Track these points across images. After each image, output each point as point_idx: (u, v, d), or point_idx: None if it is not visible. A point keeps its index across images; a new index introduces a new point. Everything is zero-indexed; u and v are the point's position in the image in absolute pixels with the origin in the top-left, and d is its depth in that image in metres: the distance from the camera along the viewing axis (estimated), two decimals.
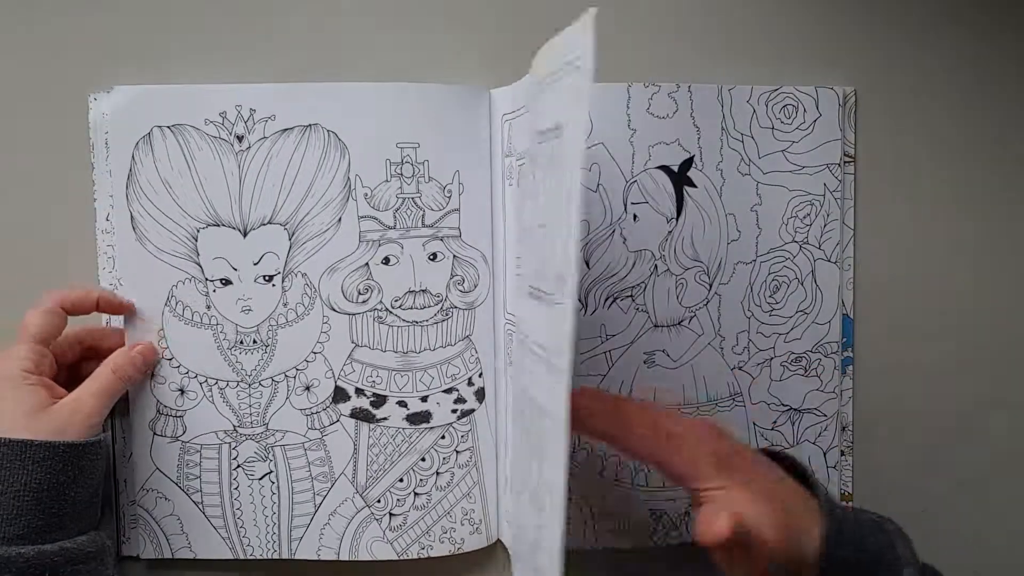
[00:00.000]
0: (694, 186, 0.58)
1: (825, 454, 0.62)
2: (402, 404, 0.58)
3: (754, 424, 0.61)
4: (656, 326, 0.58)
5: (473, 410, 0.59)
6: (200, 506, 0.58)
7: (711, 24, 0.60)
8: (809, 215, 0.60)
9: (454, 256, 0.58)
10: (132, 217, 0.56)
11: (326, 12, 0.58)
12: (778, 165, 0.59)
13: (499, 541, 0.60)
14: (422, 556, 0.59)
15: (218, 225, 0.56)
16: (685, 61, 0.60)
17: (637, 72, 0.59)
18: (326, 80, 0.56)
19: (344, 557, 0.59)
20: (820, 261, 0.60)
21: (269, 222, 0.56)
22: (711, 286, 0.59)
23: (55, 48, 0.57)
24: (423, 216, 0.57)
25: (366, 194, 0.57)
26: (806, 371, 0.61)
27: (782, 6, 0.61)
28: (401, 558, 0.59)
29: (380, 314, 0.57)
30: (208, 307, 0.57)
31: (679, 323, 0.59)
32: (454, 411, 0.59)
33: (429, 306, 0.57)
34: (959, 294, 0.65)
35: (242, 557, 0.59)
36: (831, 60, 0.60)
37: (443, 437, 0.59)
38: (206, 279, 0.57)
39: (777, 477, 0.48)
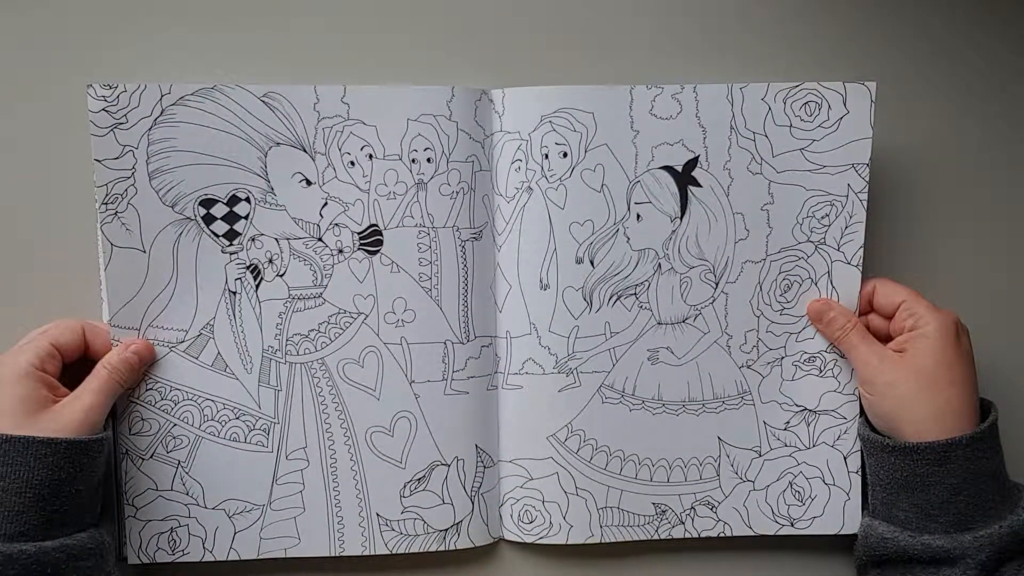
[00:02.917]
0: (699, 186, 0.58)
1: (846, 459, 0.60)
2: None
3: (764, 423, 0.60)
4: (660, 323, 0.59)
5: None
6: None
7: (721, 23, 0.60)
8: (828, 215, 0.59)
9: None
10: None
11: (327, 15, 0.59)
12: (794, 164, 0.59)
13: (502, 539, 0.62)
14: (425, 550, 0.59)
15: None
16: (696, 61, 0.60)
17: (644, 73, 0.60)
18: (326, 83, 0.57)
19: (343, 553, 0.58)
20: (838, 263, 0.59)
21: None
22: (717, 284, 0.59)
23: (54, 42, 0.57)
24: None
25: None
26: (821, 371, 0.60)
27: (795, 6, 0.60)
28: (396, 552, 0.58)
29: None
30: None
31: (683, 321, 0.59)
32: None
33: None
34: (985, 295, 0.63)
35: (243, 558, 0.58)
36: (848, 58, 0.60)
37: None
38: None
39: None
